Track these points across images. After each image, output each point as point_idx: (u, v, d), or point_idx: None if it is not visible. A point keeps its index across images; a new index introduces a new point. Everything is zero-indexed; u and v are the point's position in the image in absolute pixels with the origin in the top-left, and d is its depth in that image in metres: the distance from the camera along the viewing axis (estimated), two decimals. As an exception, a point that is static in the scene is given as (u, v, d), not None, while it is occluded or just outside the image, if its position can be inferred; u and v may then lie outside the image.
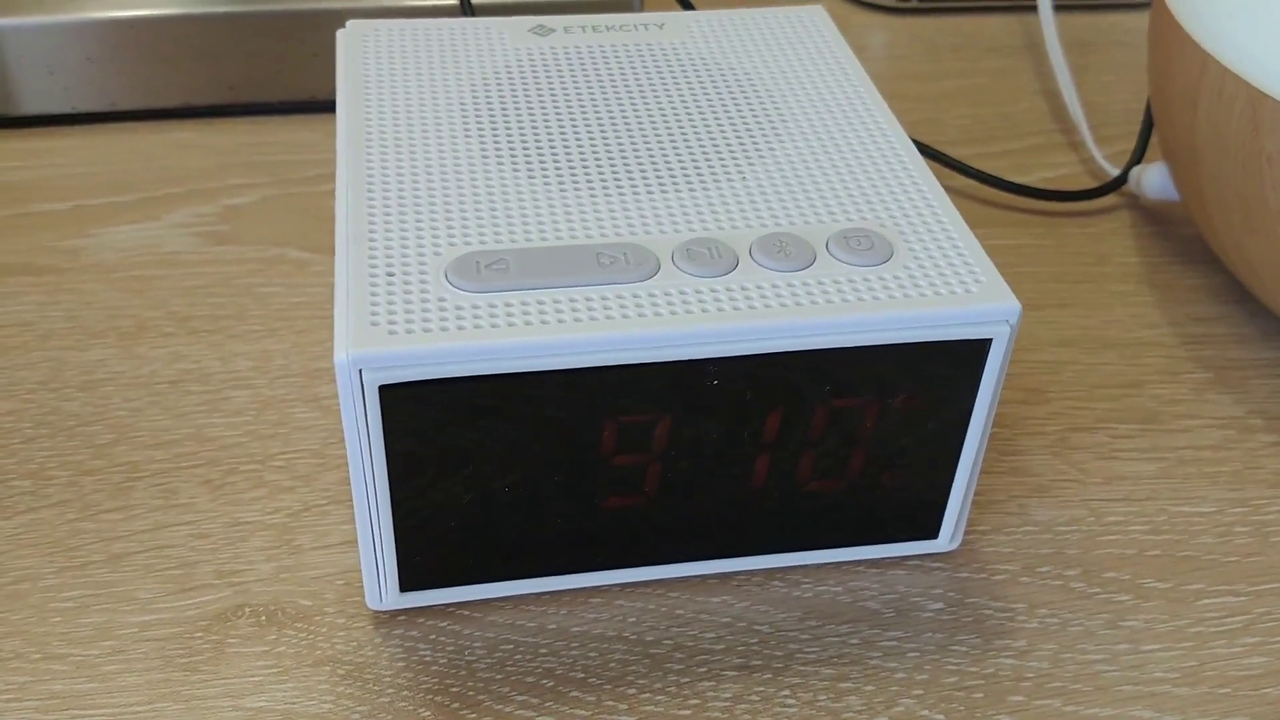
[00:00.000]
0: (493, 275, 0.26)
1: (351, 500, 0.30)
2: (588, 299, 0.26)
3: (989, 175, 0.44)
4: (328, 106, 0.47)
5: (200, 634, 0.29)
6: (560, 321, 0.25)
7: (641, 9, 0.48)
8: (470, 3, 0.46)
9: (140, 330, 0.37)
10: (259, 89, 0.47)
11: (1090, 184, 0.46)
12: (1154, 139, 0.47)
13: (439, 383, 0.25)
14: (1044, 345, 0.38)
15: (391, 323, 0.25)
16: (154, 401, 0.34)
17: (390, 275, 0.26)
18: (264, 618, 0.29)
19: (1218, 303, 0.40)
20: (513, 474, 0.27)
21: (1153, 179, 0.41)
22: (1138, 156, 0.44)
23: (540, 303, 0.26)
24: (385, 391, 0.25)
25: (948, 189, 0.44)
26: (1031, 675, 0.29)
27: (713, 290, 0.26)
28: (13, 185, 0.43)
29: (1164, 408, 0.36)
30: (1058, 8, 0.52)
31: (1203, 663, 0.29)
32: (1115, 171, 0.45)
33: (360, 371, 0.24)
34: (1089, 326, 0.39)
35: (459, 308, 0.25)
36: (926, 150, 0.45)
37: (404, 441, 0.25)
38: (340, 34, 0.35)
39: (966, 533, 0.32)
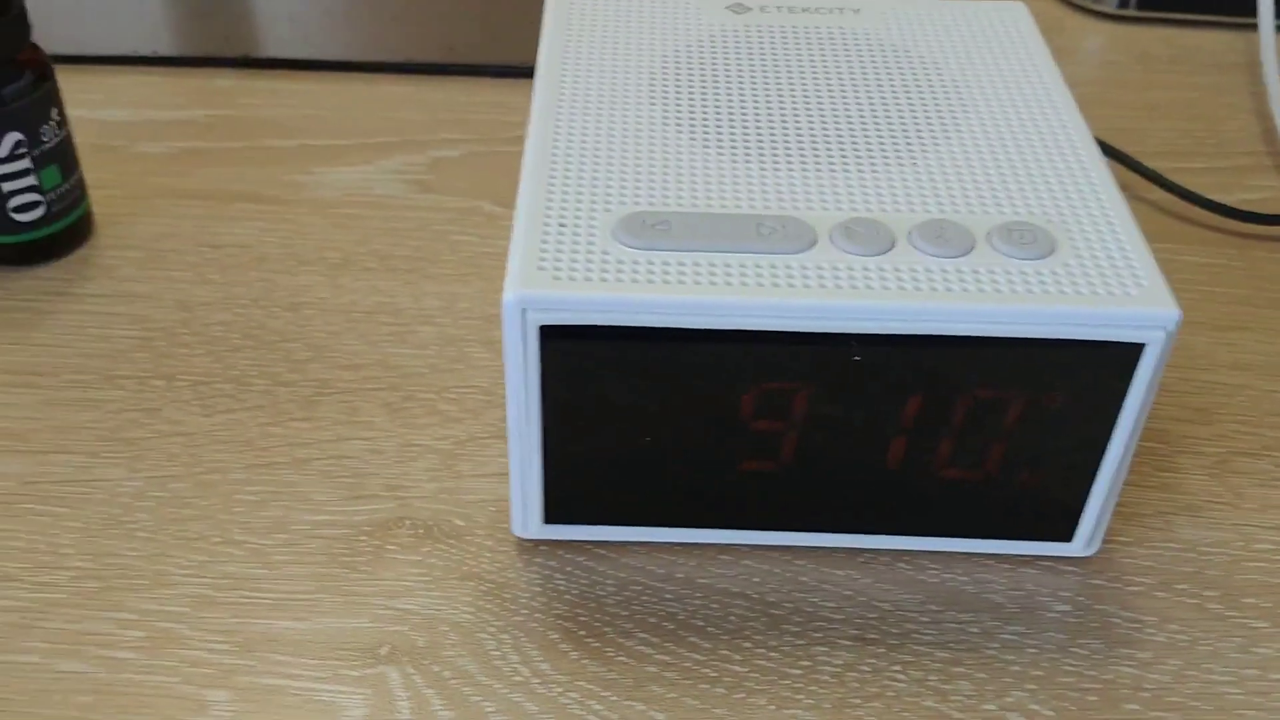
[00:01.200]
0: (656, 235, 0.28)
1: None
2: (742, 265, 0.27)
3: (1185, 190, 0.43)
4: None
5: (364, 538, 0.31)
6: (713, 284, 0.26)
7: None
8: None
9: (345, 263, 0.40)
10: (475, 51, 0.50)
11: (1297, 209, 0.44)
12: (1373, 168, 0.44)
13: (596, 329, 0.26)
14: (1220, 366, 0.37)
15: (557, 269, 0.27)
16: (350, 328, 0.37)
17: (562, 225, 0.28)
18: (422, 531, 0.31)
19: None
20: (657, 426, 0.28)
21: (1361, 208, 0.39)
22: (1351, 184, 0.42)
23: (697, 265, 0.27)
24: (546, 332, 0.26)
25: (1142, 200, 0.44)
26: (1151, 687, 0.28)
27: (865, 269, 0.27)
28: (250, 121, 0.47)
29: (1339, 443, 0.35)
30: (1285, 25, 0.50)
31: (1337, 701, 0.28)
32: (1326, 198, 0.43)
33: (524, 311, 0.26)
34: (1270, 353, 0.38)
35: (620, 262, 0.27)
36: (1123, 158, 0.44)
37: (559, 382, 0.27)
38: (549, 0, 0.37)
39: (1106, 541, 0.31)
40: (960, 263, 0.27)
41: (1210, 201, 0.42)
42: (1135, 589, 0.31)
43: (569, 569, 0.31)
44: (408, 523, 0.32)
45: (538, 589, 0.30)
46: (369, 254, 0.40)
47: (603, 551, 0.31)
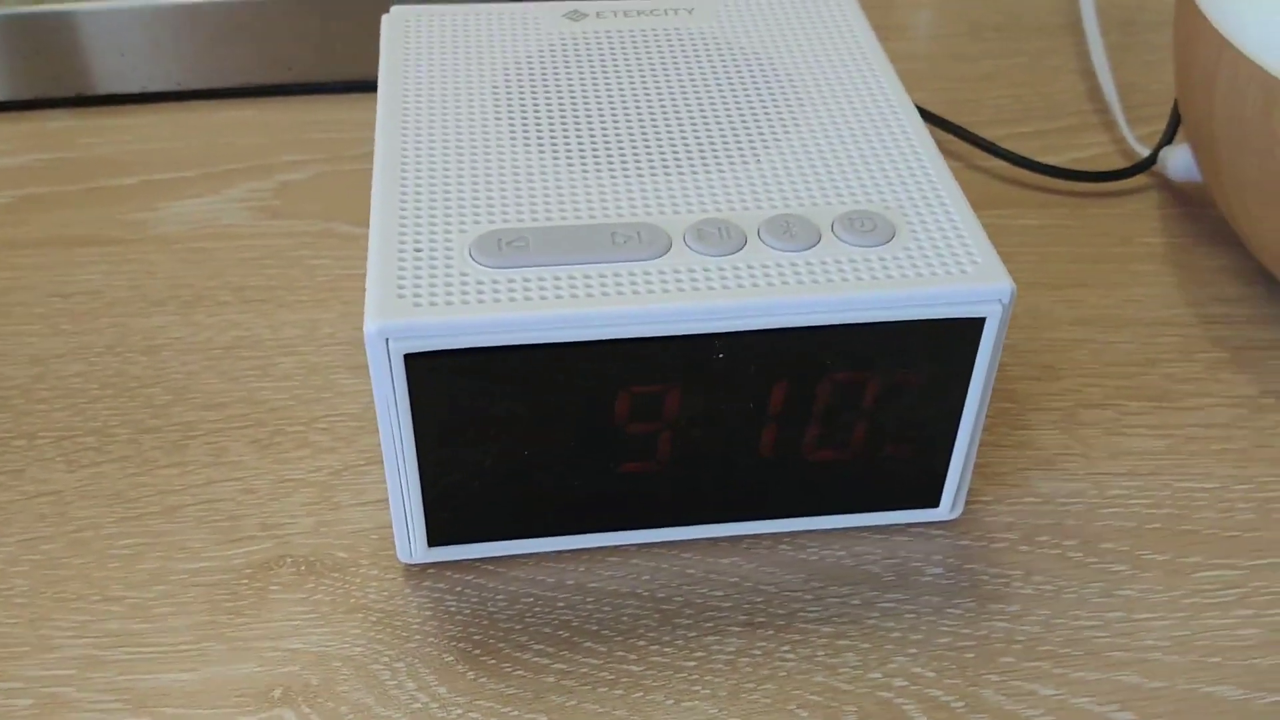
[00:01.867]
0: (513, 252, 0.28)
1: (384, 460, 0.33)
2: (601, 276, 0.27)
3: (1018, 156, 0.45)
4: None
5: (245, 581, 0.31)
6: (574, 297, 0.27)
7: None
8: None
9: (199, 299, 0.39)
10: (314, 69, 0.49)
11: (1121, 165, 0.46)
12: (1186, 120, 0.47)
13: (460, 352, 0.27)
14: (1061, 324, 0.39)
15: (417, 295, 0.27)
16: (209, 366, 0.37)
17: (418, 250, 0.28)
18: (304, 567, 0.31)
19: (1241, 284, 0.40)
20: (531, 440, 0.28)
21: (1177, 160, 0.42)
22: (1168, 138, 0.45)
23: (556, 279, 0.27)
24: (410, 360, 0.27)
25: (979, 169, 0.45)
26: (1023, 638, 0.30)
27: (720, 269, 0.28)
28: (87, 161, 0.45)
29: (1176, 386, 0.37)
30: (1099, -13, 0.52)
31: (1194, 632, 0.30)
32: (1146, 152, 0.45)
33: (387, 341, 0.26)
34: (1107, 306, 0.40)
35: (480, 283, 0.27)
36: (957, 130, 0.46)
37: (429, 407, 0.27)
38: (385, 19, 0.37)
39: (969, 503, 0.33)
40: (808, 255, 0.28)
41: (1043, 165, 0.44)
42: (1000, 545, 0.32)
43: (459, 589, 0.31)
44: (288, 560, 0.31)
45: (428, 613, 0.30)
46: (222, 287, 0.40)
47: (491, 568, 0.31)
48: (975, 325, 0.28)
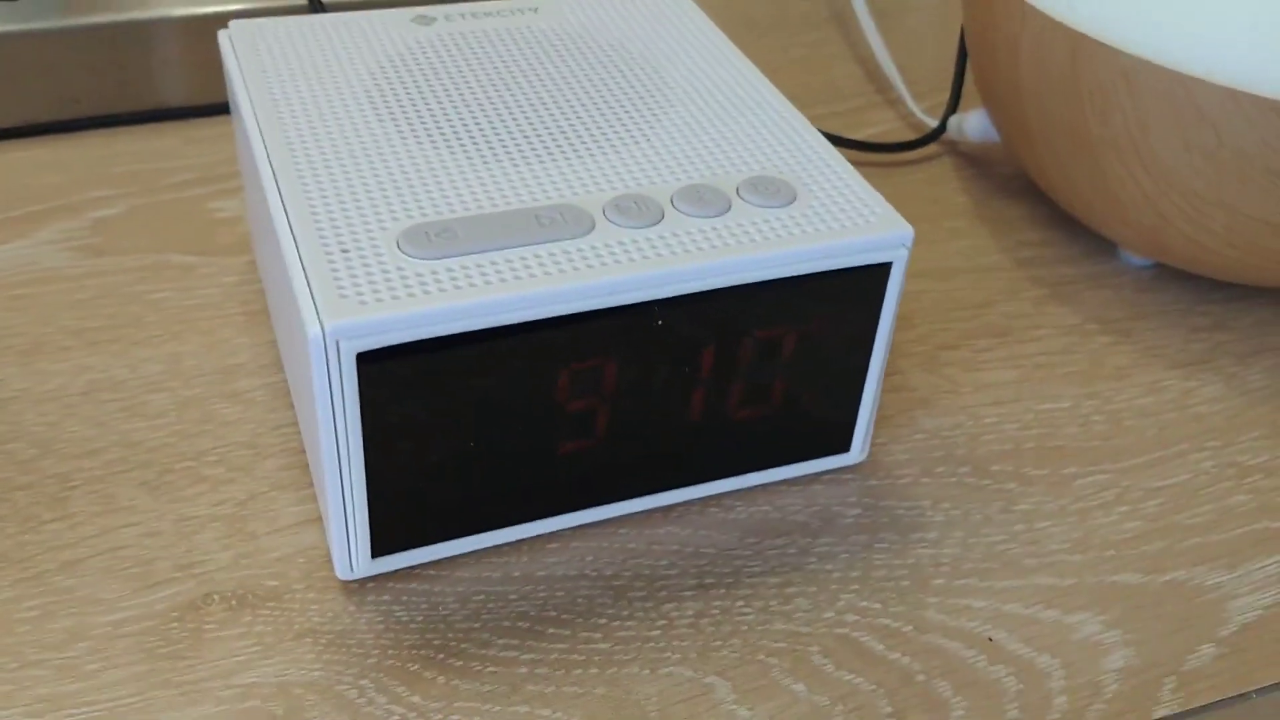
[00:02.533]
0: (444, 242, 0.28)
1: (294, 485, 0.32)
2: (537, 256, 0.28)
3: (827, 133, 0.48)
4: (179, 114, 0.47)
5: (175, 624, 0.29)
6: (517, 279, 0.27)
7: None
8: (321, 2, 0.47)
9: (36, 347, 0.36)
10: (103, 101, 0.46)
11: (912, 136, 0.50)
12: (967, 89, 0.51)
13: (411, 346, 0.26)
14: (902, 279, 0.42)
15: (359, 293, 0.26)
16: (70, 413, 0.34)
17: (345, 251, 0.27)
18: (234, 601, 0.30)
19: (1042, 229, 0.45)
20: (479, 430, 0.28)
21: (973, 123, 0.46)
22: (953, 106, 0.49)
23: (494, 264, 0.27)
24: (362, 359, 0.26)
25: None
26: (948, 560, 0.32)
27: (648, 239, 0.28)
28: None
29: (1012, 322, 0.40)
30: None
31: (1088, 533, 0.33)
32: (934, 123, 0.50)
33: (338, 342, 0.26)
34: (935, 258, 0.43)
35: (419, 274, 0.27)
36: (769, 115, 0.48)
37: (378, 407, 0.27)
38: (224, 34, 0.35)
39: (868, 447, 0.35)
40: (725, 220, 0.29)
41: (847, 140, 0.48)
42: (905, 480, 0.34)
43: (405, 598, 0.30)
44: (216, 597, 0.30)
45: (380, 627, 0.29)
46: (59, 332, 0.37)
47: (432, 572, 0.31)
48: (884, 270, 0.30)
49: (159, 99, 0.47)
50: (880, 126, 0.51)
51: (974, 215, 0.45)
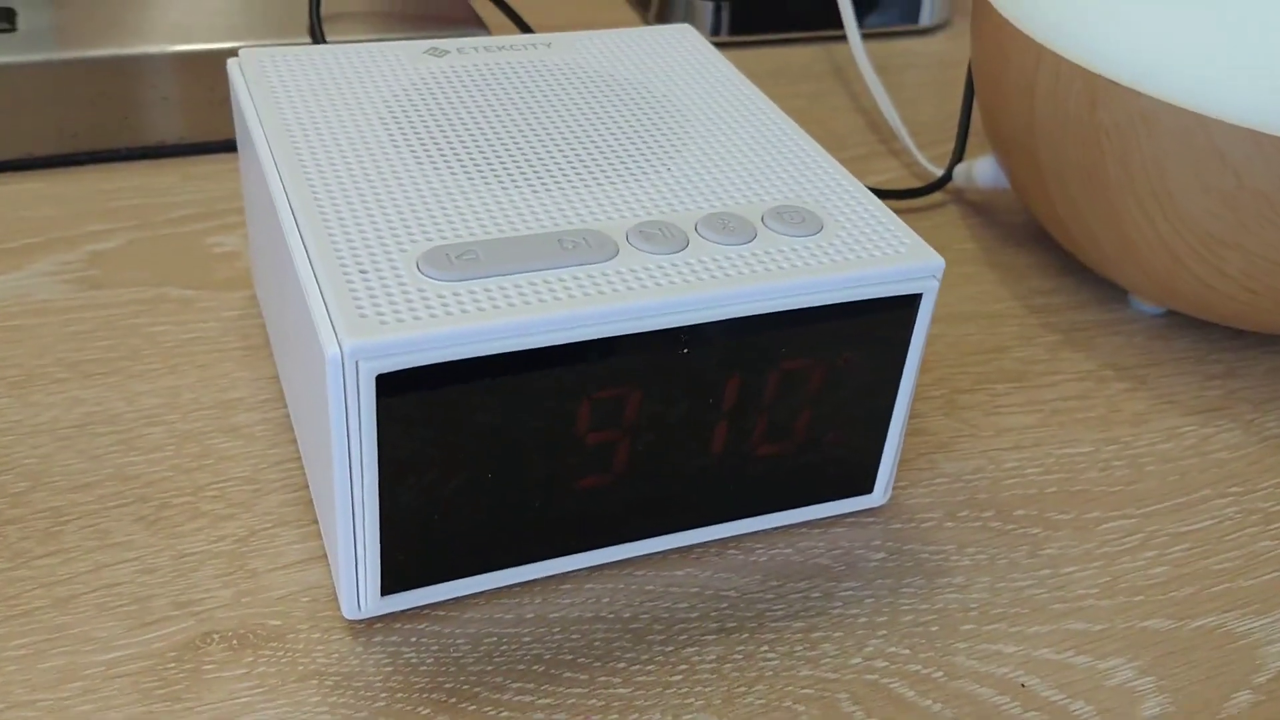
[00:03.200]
0: (466, 265, 0.27)
1: (297, 521, 0.31)
2: (561, 280, 0.27)
3: (835, 179, 0.47)
4: (178, 150, 0.46)
5: (172, 664, 0.27)
6: (542, 301, 0.26)
7: (489, 34, 0.49)
8: (323, 34, 0.46)
9: (29, 379, 0.35)
10: (102, 135, 0.45)
11: (917, 185, 0.50)
12: (970, 140, 0.51)
13: (432, 369, 0.25)
14: (915, 324, 0.41)
15: (380, 314, 0.25)
16: (63, 446, 0.33)
17: (364, 273, 0.26)
18: (235, 641, 0.28)
19: (1052, 276, 0.44)
20: (495, 460, 0.27)
21: (984, 170, 0.45)
22: (959, 154, 0.49)
23: (518, 286, 0.26)
24: (382, 381, 0.25)
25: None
26: (976, 605, 0.31)
27: (673, 265, 0.28)
28: None
29: (1028, 367, 0.40)
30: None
31: (1115, 578, 0.32)
32: (939, 171, 0.49)
33: (357, 363, 0.25)
34: (947, 304, 0.42)
35: (441, 296, 0.26)
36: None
37: (395, 433, 0.26)
38: (233, 62, 0.35)
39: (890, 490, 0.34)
40: (751, 247, 0.29)
41: (857, 186, 0.47)
42: (928, 524, 0.33)
43: (414, 639, 0.29)
44: (215, 637, 0.28)
45: (389, 669, 0.28)
46: (54, 364, 0.36)
47: (442, 612, 0.29)
48: (913, 301, 0.29)
49: (157, 135, 0.46)
50: (884, 175, 0.50)
51: (983, 262, 0.45)
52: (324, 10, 0.48)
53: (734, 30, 0.60)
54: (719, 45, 0.60)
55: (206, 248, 0.41)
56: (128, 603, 0.29)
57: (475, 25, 0.50)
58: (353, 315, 0.25)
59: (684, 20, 0.59)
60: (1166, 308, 0.42)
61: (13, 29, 0.45)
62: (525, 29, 0.51)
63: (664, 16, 0.60)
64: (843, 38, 0.61)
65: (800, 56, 0.60)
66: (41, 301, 0.38)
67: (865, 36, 0.61)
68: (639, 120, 0.33)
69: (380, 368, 0.25)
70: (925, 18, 0.63)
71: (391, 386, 0.25)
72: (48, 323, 0.37)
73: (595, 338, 0.26)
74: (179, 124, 0.46)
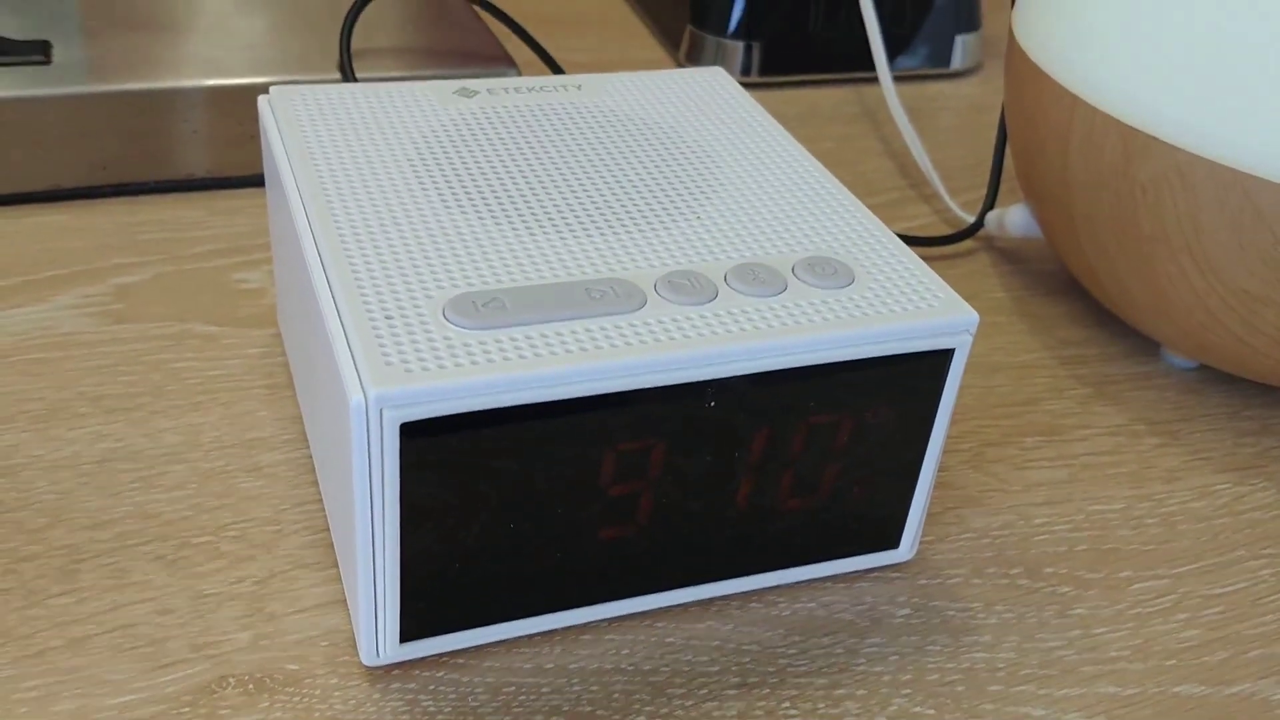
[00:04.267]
0: (492, 313, 0.26)
1: (318, 564, 0.30)
2: (589, 330, 0.26)
3: (864, 225, 0.47)
4: (205, 184, 0.46)
5: (186, 709, 0.27)
6: (569, 351, 0.26)
7: (518, 72, 0.49)
8: (354, 75, 0.46)
9: (53, 413, 0.35)
10: (131, 169, 0.46)
11: (947, 231, 0.49)
12: (1002, 187, 0.51)
13: (456, 419, 0.25)
14: (943, 373, 0.41)
15: (405, 361, 0.25)
16: (84, 483, 0.33)
17: (389, 319, 0.26)
18: (251, 686, 0.28)
19: (1084, 327, 0.44)
20: (518, 510, 0.27)
21: (1015, 219, 0.45)
22: (990, 201, 0.48)
23: (544, 336, 0.26)
24: (407, 430, 0.25)
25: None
26: (1003, 665, 0.30)
27: (702, 316, 0.27)
28: (-128, 275, 0.40)
29: (1059, 420, 0.39)
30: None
31: (1147, 640, 0.32)
32: (970, 219, 0.49)
33: (381, 411, 0.24)
34: (976, 355, 0.42)
35: (467, 345, 0.26)
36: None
37: (418, 482, 0.25)
38: (263, 100, 0.35)
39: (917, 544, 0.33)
40: (782, 299, 0.28)
41: (886, 232, 0.47)
42: (955, 580, 0.33)
43: (432, 688, 0.28)
44: (231, 680, 0.28)
45: (406, 717, 0.28)
46: (77, 398, 0.36)
47: (460, 660, 0.29)
48: (945, 357, 0.29)
49: (186, 169, 0.46)
50: (914, 221, 0.50)
51: (1014, 311, 0.44)
52: (354, 46, 0.48)
53: (764, 71, 0.60)
54: (748, 86, 0.60)
55: (232, 284, 0.41)
56: (144, 644, 0.28)
57: (505, 64, 0.50)
58: (378, 362, 0.25)
59: (714, 59, 0.59)
60: (1199, 362, 0.41)
61: (47, 61, 0.45)
62: (555, 68, 0.51)
63: (694, 55, 0.60)
64: (874, 79, 0.60)
65: (831, 98, 0.60)
66: (65, 335, 0.38)
67: (896, 79, 0.61)
68: (669, 165, 0.33)
69: (404, 416, 0.24)
70: (957, 61, 0.63)
71: (415, 435, 0.25)
72: (71, 355, 0.37)
73: (621, 390, 0.26)
74: (207, 158, 0.46)
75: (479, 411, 0.25)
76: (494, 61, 0.50)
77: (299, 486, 0.33)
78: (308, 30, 0.50)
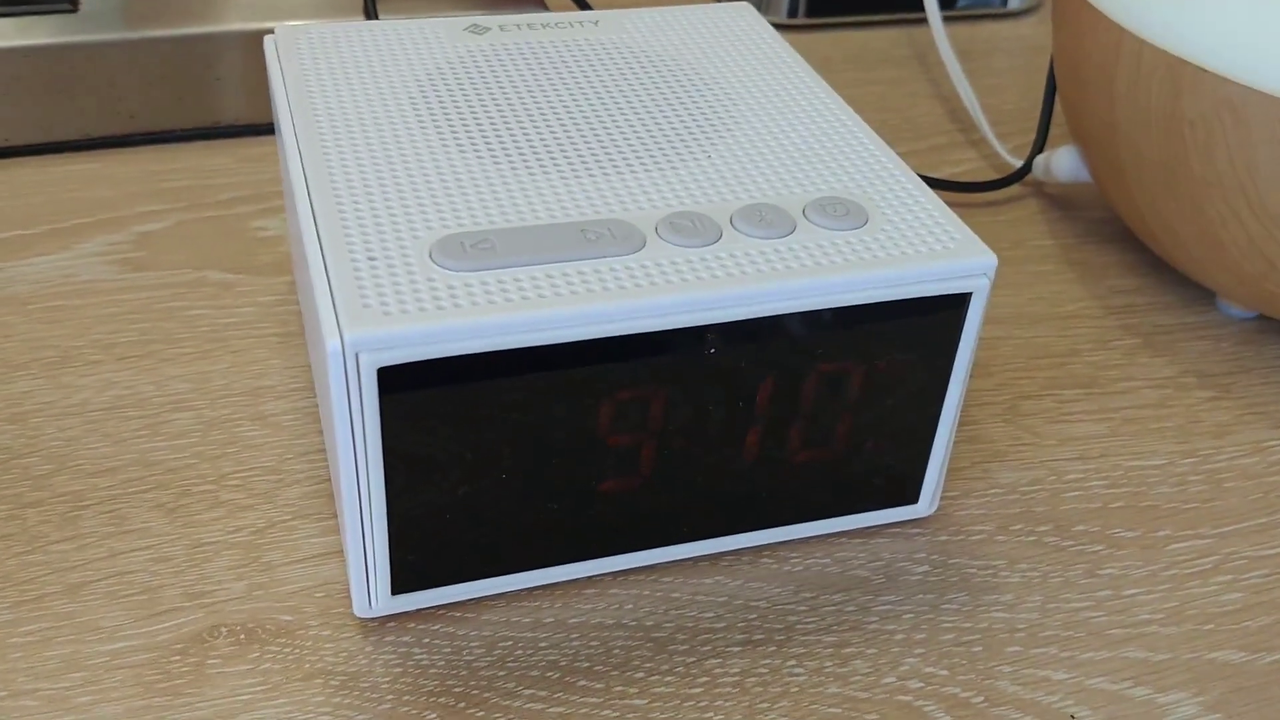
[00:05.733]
0: (480, 254, 0.25)
1: (318, 514, 0.30)
2: (581, 273, 0.25)
3: (905, 169, 0.45)
4: (233, 131, 0.46)
5: (177, 657, 0.27)
6: (557, 295, 0.25)
7: (545, 8, 0.48)
8: (376, 10, 0.45)
9: (65, 360, 0.35)
10: (160, 116, 0.45)
11: (994, 176, 0.47)
12: (1053, 129, 0.49)
13: (438, 363, 0.24)
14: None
15: (384, 304, 0.24)
16: (90, 429, 0.32)
17: (373, 260, 0.25)
18: (243, 636, 0.27)
19: (1135, 275, 0.42)
20: (510, 460, 0.26)
21: (1063, 162, 0.43)
22: (1039, 145, 0.46)
23: (534, 279, 0.25)
24: (384, 374, 0.24)
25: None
26: (1024, 626, 0.29)
27: (703, 259, 0.26)
28: (-100, 223, 0.40)
29: (1101, 372, 0.37)
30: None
31: (1183, 603, 0.30)
32: (1018, 163, 0.47)
33: (358, 355, 0.23)
34: (1018, 304, 0.40)
35: (451, 287, 0.25)
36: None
37: (403, 430, 0.25)
38: (269, 40, 0.34)
39: (938, 500, 0.32)
40: (789, 241, 0.27)
41: (928, 178, 0.45)
42: (978, 537, 0.31)
43: (426, 640, 0.28)
44: (223, 630, 0.28)
45: (398, 670, 0.27)
46: (90, 346, 0.35)
47: (458, 614, 0.28)
48: (962, 301, 0.27)
49: (214, 116, 0.46)
50: (962, 166, 0.48)
51: (1061, 259, 0.42)
52: (384, -10, 0.47)
53: (811, 12, 0.58)
54: (796, 28, 0.58)
55: (251, 231, 0.41)
56: (138, 591, 0.28)
57: (534, 2, 0.48)
58: (356, 305, 0.24)
59: (759, 2, 0.57)
60: (1257, 312, 0.39)
61: (74, 9, 0.45)
62: (582, 4, 0.50)
63: (739, -2, 0.58)
64: (926, 20, 0.58)
65: (881, 40, 0.57)
66: (85, 282, 0.38)
67: (951, 19, 0.59)
68: (683, 104, 0.32)
69: (382, 360, 0.24)
70: (1014, 0, 0.60)
71: (395, 380, 0.24)
72: (88, 304, 0.37)
73: (613, 335, 0.25)
74: (235, 104, 0.46)
75: (461, 356, 0.24)
76: (522, 1, 0.49)
77: (304, 435, 0.33)
78: (337, -26, 0.49)
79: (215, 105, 0.46)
